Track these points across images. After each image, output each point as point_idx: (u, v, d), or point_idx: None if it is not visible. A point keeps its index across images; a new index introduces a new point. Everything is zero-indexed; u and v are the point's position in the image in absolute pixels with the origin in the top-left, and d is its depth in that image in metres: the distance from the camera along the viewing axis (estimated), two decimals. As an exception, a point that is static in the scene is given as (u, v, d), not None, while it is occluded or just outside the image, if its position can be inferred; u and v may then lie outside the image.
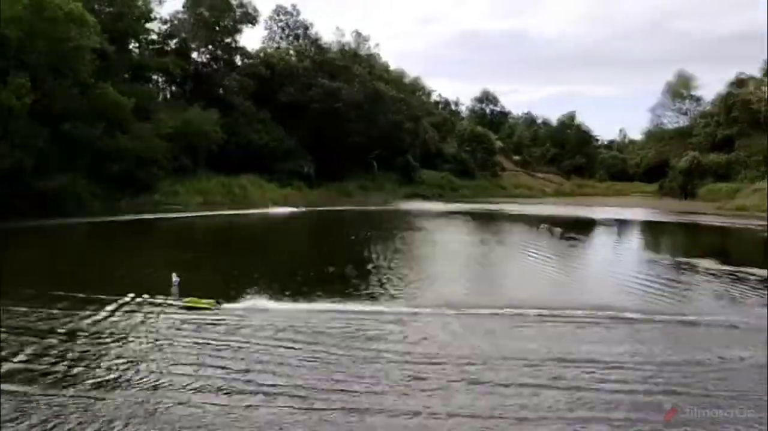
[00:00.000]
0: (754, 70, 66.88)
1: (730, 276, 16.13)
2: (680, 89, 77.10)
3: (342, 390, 7.22)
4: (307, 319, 10.65)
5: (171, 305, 11.71)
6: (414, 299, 12.79)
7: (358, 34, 67.00)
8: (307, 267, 17.18)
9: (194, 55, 51.91)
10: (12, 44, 29.31)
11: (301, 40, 60.00)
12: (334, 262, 17.70)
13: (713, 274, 16.63)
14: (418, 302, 12.30)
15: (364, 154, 57.98)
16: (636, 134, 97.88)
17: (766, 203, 47.62)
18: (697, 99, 76.35)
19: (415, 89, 75.17)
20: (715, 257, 20.08)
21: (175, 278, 13.13)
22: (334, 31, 68.51)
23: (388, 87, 60.42)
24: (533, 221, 35.82)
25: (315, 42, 59.72)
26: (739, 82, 65.78)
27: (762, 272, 16.62)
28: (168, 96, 51.31)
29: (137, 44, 46.35)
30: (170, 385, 7.38)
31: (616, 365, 8.28)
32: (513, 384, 7.44)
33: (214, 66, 52.55)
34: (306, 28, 60.30)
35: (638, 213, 44.58)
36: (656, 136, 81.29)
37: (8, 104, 27.99)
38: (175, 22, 50.11)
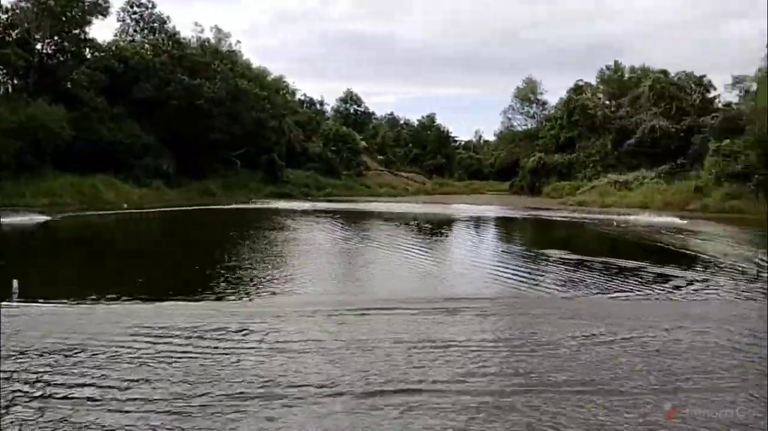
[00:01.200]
0: (591, 78, 73.62)
1: (580, 264, 17.79)
2: (528, 94, 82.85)
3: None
4: (170, 318, 10.27)
5: None
6: (283, 296, 12.85)
7: (219, 30, 65.43)
8: (173, 266, 16.67)
9: (38, 46, 47.79)
10: None
11: (157, 34, 57.24)
12: (202, 261, 17.36)
13: (564, 263, 18.26)
14: (287, 300, 12.37)
15: (227, 152, 56.62)
16: (490, 136, 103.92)
17: (603, 199, 52.71)
18: (543, 104, 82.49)
19: (278, 87, 74.45)
20: (564, 247, 22.07)
21: (15, 284, 12.18)
22: (192, 27, 66.41)
23: (251, 84, 59.40)
24: (399, 219, 37.01)
25: (172, 36, 57.26)
26: (578, 89, 71.92)
27: (603, 259, 18.75)
28: (10, 90, 46.91)
29: (-28, 34, 42.09)
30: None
31: (474, 348, 8.76)
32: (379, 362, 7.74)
33: (61, 58, 48.72)
34: (163, 21, 57.62)
35: (494, 209, 47.41)
36: (508, 137, 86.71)
37: None
38: (17, 11, 45.81)
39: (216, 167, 55.54)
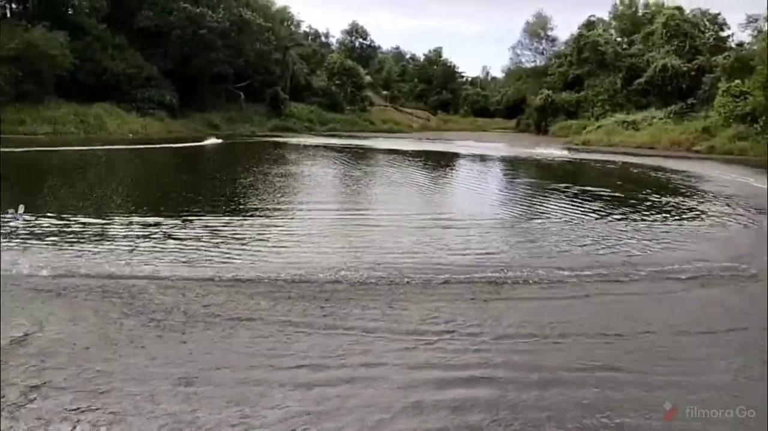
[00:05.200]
0: (604, 14, 71.74)
1: (578, 194, 18.76)
2: (538, 30, 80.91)
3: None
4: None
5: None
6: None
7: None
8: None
9: (35, -31, 46.57)
10: None
11: (158, -40, 55.54)
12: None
13: (564, 192, 19.22)
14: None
15: (230, 84, 55.97)
16: (498, 72, 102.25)
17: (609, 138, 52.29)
18: (553, 40, 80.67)
19: (283, 18, 72.86)
20: (566, 181, 22.35)
21: (20, 209, 12.12)
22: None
23: (255, 15, 58.12)
24: (404, 156, 36.89)
25: (174, -38, 55.57)
26: (589, 25, 70.17)
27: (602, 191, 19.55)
28: (7, 15, 45.99)
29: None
30: None
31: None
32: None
33: (60, -18, 47.58)
34: (163, -54, 55.82)
35: (499, 147, 47.15)
36: (515, 74, 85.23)
37: None
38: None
39: (219, 100, 55.04)
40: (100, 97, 42.39)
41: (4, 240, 10.14)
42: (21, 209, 12.02)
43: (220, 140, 40.61)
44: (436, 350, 5.96)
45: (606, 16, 71.56)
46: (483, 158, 37.47)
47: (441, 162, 33.26)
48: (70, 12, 45.80)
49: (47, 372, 5.17)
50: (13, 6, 46.81)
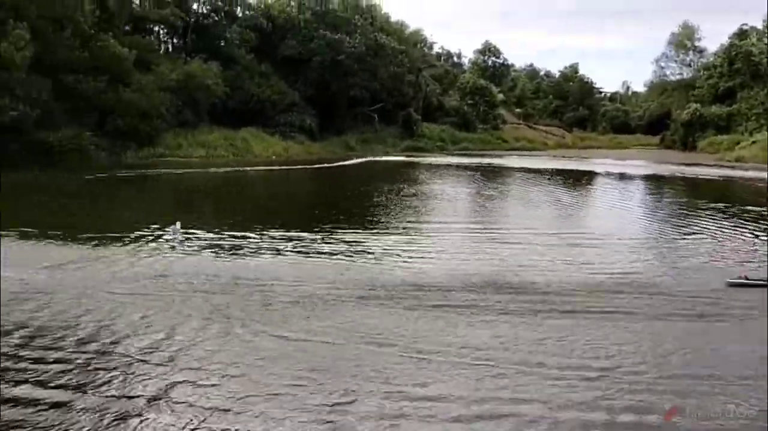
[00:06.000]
0: (757, 22, 66.08)
1: (726, 214, 18.08)
2: (684, 40, 76.04)
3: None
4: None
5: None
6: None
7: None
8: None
9: (194, 6, 51.23)
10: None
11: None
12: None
13: (712, 209, 18.61)
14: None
15: (366, 107, 57.74)
16: (639, 87, 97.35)
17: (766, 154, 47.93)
18: (701, 51, 75.39)
19: (416, 41, 74.19)
20: (714, 200, 20.99)
21: (177, 225, 13.16)
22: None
23: (390, 39, 59.71)
24: (538, 174, 36.14)
25: (316, -8, 58.68)
26: (742, 34, 64.95)
27: (757, 208, 18.75)
28: (169, 49, 50.84)
29: (137, -5, 45.76)
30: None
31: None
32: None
33: (215, 18, 51.89)
34: (307, -23, 59.11)
35: (640, 166, 44.81)
36: (659, 88, 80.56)
37: (8, 56, 28.03)
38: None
39: (355, 122, 56.97)
40: (246, 123, 45.46)
41: (166, 253, 11.22)
42: (177, 225, 13.23)
43: (354, 161, 42.06)
44: (597, 390, 5.62)
45: (759, 24, 65.91)
46: (623, 177, 35.84)
47: (580, 181, 32.17)
48: (222, 44, 49.65)
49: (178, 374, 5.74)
50: (174, 41, 51.63)
